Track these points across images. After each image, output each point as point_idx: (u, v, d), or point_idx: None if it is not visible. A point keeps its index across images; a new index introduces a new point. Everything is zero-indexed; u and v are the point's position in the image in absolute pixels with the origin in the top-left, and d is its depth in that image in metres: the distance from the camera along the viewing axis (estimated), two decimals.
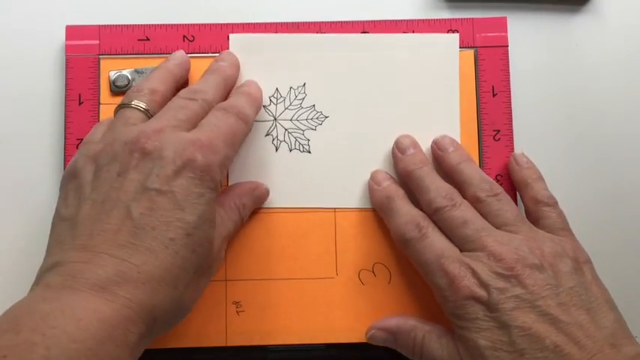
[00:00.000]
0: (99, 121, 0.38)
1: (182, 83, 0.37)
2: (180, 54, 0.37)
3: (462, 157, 0.36)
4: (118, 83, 0.38)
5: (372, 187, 0.37)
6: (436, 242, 0.33)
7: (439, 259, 0.32)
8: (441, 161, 0.36)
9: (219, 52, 0.38)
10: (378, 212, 0.37)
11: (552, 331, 0.29)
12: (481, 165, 0.38)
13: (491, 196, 0.34)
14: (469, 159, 0.36)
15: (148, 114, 0.33)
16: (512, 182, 0.37)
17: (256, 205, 0.37)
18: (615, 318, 0.31)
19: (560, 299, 0.30)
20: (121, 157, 0.30)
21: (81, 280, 0.27)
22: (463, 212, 0.33)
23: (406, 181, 0.36)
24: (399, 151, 0.37)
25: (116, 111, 0.34)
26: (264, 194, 0.37)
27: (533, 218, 0.35)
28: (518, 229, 0.33)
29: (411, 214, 0.34)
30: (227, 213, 0.34)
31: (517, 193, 0.37)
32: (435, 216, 0.34)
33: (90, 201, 0.29)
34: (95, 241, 0.28)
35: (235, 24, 0.39)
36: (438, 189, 0.34)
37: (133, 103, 0.33)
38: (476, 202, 0.34)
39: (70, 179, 0.31)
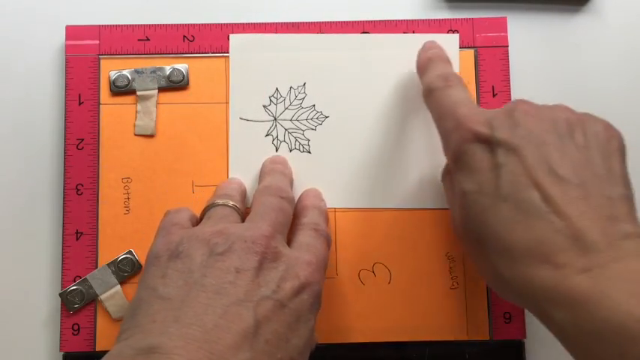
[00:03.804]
0: (98, 121, 0.38)
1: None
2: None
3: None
4: (118, 83, 0.38)
5: (419, 50, 0.36)
6: (459, 93, 0.32)
7: (454, 105, 0.31)
8: None
9: (219, 52, 0.38)
10: (418, 75, 0.36)
11: (545, 182, 0.27)
12: None
13: None
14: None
15: (240, 213, 0.33)
16: None
17: None
18: (625, 194, 0.27)
19: (566, 152, 0.28)
20: (238, 252, 0.28)
21: None
22: None
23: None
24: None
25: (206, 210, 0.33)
26: None
27: None
28: None
29: (445, 70, 0.34)
30: None
31: None
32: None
33: (200, 286, 0.27)
34: (210, 336, 0.25)
35: (235, 24, 0.39)
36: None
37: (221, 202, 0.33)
38: None
39: (172, 258, 0.29)
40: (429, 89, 0.33)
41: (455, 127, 0.30)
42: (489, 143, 0.29)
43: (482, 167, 0.28)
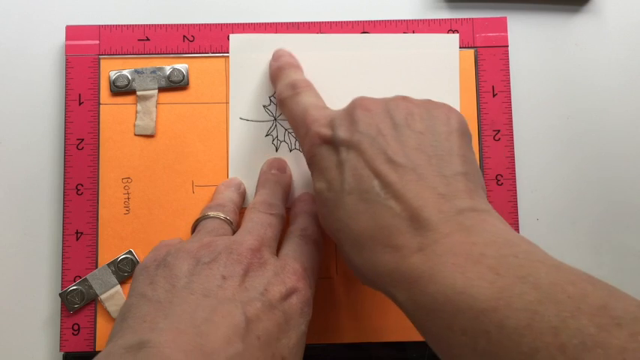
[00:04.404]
0: (98, 121, 0.38)
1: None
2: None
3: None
4: (118, 83, 0.38)
5: (270, 61, 0.38)
6: (307, 98, 0.33)
7: (304, 111, 0.32)
8: None
9: (219, 52, 0.38)
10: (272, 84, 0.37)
11: (383, 170, 0.28)
12: (481, 165, 0.38)
13: None
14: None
15: (232, 225, 0.34)
16: (514, 182, 0.37)
17: None
18: (462, 172, 0.28)
19: (402, 139, 0.29)
20: (224, 262, 0.29)
21: None
22: None
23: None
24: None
25: (198, 222, 0.35)
26: None
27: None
28: None
29: (294, 77, 0.35)
30: None
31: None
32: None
33: (188, 290, 0.28)
34: (200, 330, 0.26)
35: (235, 24, 0.39)
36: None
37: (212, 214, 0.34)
38: None
39: (159, 267, 0.30)
40: (280, 99, 0.35)
41: (305, 133, 0.31)
42: (333, 143, 0.30)
43: (329, 166, 0.30)
